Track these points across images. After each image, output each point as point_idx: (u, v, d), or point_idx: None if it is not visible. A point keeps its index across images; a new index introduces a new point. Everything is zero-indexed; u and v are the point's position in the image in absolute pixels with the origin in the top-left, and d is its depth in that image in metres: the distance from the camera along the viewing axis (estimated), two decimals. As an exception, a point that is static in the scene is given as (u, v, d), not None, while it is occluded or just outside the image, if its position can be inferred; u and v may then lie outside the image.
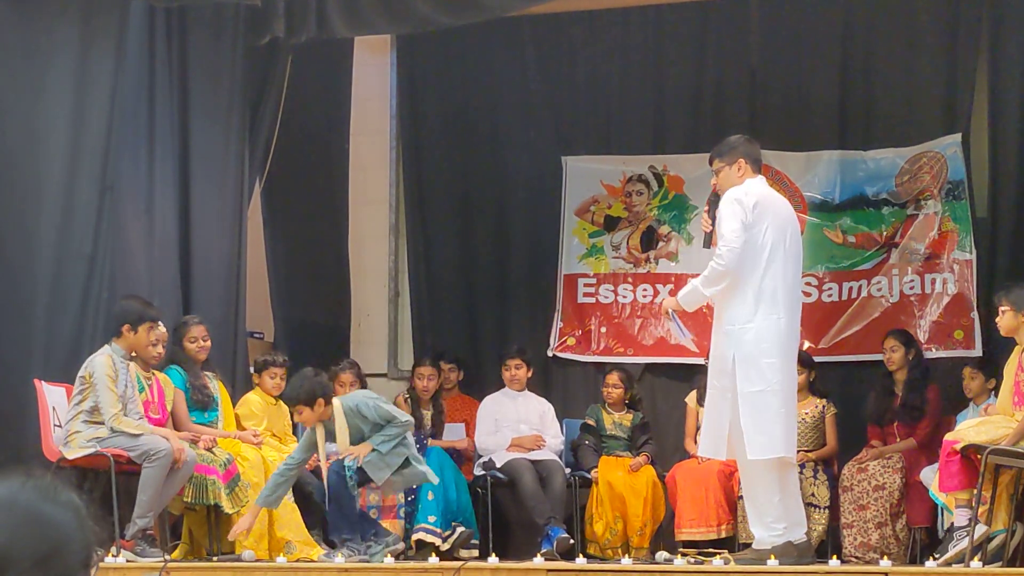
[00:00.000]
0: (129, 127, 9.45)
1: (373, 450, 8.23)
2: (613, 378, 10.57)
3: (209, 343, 9.25)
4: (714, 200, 8.31)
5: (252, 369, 9.96)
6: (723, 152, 8.15)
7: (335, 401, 8.38)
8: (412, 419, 8.67)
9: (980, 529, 7.66)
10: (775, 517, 7.96)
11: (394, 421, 8.33)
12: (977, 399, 9.52)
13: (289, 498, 8.93)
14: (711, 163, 8.23)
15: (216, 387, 9.30)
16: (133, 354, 8.53)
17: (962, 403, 9.87)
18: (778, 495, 7.97)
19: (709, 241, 8.48)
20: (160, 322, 8.84)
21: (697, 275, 11.28)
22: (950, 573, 7.20)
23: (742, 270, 7.87)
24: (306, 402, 8.30)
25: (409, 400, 10.52)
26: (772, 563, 7.55)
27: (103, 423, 8.25)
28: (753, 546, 8.06)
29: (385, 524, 9.54)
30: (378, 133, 12.16)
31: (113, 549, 7.95)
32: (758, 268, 7.88)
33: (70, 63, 9.16)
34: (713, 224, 8.22)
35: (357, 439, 8.31)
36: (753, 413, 7.84)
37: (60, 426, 8.43)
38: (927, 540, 9.29)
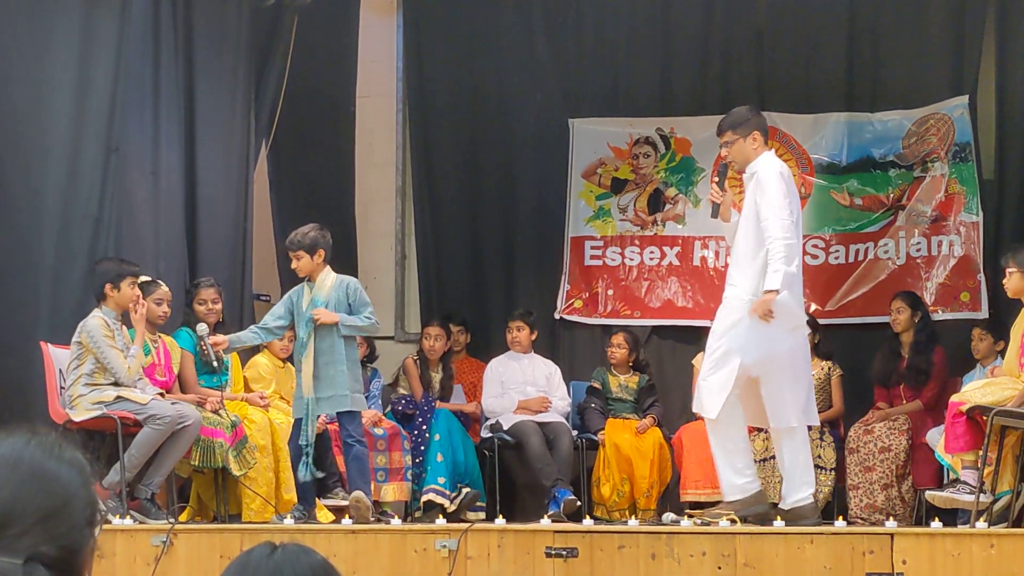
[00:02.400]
0: (134, 89, 9.43)
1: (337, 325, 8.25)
2: (618, 338, 10.58)
3: (220, 306, 9.23)
4: (723, 171, 8.29)
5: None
6: (736, 124, 8.09)
7: (330, 270, 8.44)
8: (380, 325, 8.69)
9: (984, 497, 7.66)
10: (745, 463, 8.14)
11: (366, 311, 8.35)
12: (985, 361, 9.52)
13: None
14: (721, 134, 8.17)
15: (228, 350, 9.30)
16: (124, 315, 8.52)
17: (968, 365, 9.87)
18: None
19: (717, 211, 8.45)
20: (162, 284, 8.84)
21: (700, 237, 11.35)
22: (957, 534, 7.20)
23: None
24: (308, 249, 8.36)
25: (419, 362, 10.53)
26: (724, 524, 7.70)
27: (104, 385, 8.25)
28: (780, 506, 8.10)
29: (392, 486, 9.57)
30: (384, 95, 12.12)
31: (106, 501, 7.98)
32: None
33: (74, 24, 9.14)
34: (722, 194, 8.21)
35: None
36: (772, 383, 7.96)
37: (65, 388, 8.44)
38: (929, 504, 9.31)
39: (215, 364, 8.66)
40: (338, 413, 8.30)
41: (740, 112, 8.23)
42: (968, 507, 7.72)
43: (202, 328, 8.55)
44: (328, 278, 8.39)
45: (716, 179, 8.37)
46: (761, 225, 7.88)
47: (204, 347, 8.52)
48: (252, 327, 8.57)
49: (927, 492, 7.91)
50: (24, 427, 2.01)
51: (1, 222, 8.82)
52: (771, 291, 7.77)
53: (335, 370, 8.26)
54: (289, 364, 9.58)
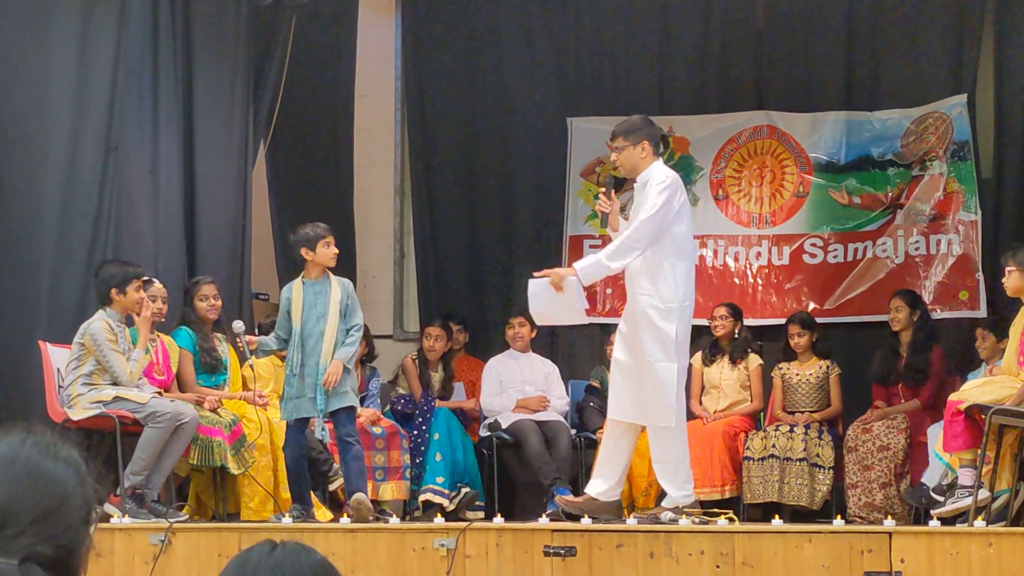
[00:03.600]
0: (133, 88, 9.43)
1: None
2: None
3: (220, 303, 9.22)
4: (610, 181, 8.36)
5: (256, 331, 9.95)
6: (628, 132, 8.13)
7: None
8: (360, 332, 8.53)
9: (982, 493, 7.66)
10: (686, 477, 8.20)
11: (355, 320, 8.28)
12: (990, 361, 9.50)
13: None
14: (613, 140, 8.22)
15: (226, 350, 9.28)
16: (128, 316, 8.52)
17: (967, 364, 9.88)
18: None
19: (606, 220, 8.50)
20: (155, 281, 8.83)
21: (698, 236, 11.35)
22: (955, 532, 7.20)
23: (668, 250, 7.93)
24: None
25: (418, 362, 10.52)
26: (631, 520, 7.87)
27: (102, 385, 8.25)
28: (663, 503, 8.14)
29: (390, 485, 9.56)
30: (383, 94, 12.12)
31: (108, 507, 7.99)
32: (681, 250, 8.01)
33: (74, 23, 9.14)
34: (611, 204, 8.28)
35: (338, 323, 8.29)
36: (662, 384, 7.97)
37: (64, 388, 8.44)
38: (931, 498, 9.31)
39: (250, 362, 8.62)
40: (336, 411, 8.24)
41: (633, 120, 8.26)
42: (963, 508, 7.72)
43: (238, 325, 8.50)
44: (331, 279, 8.32)
45: (603, 189, 8.41)
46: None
47: (240, 344, 8.47)
48: (273, 334, 8.46)
49: (933, 511, 7.90)
50: (20, 425, 2.00)
51: (0, 220, 8.82)
52: (575, 271, 7.90)
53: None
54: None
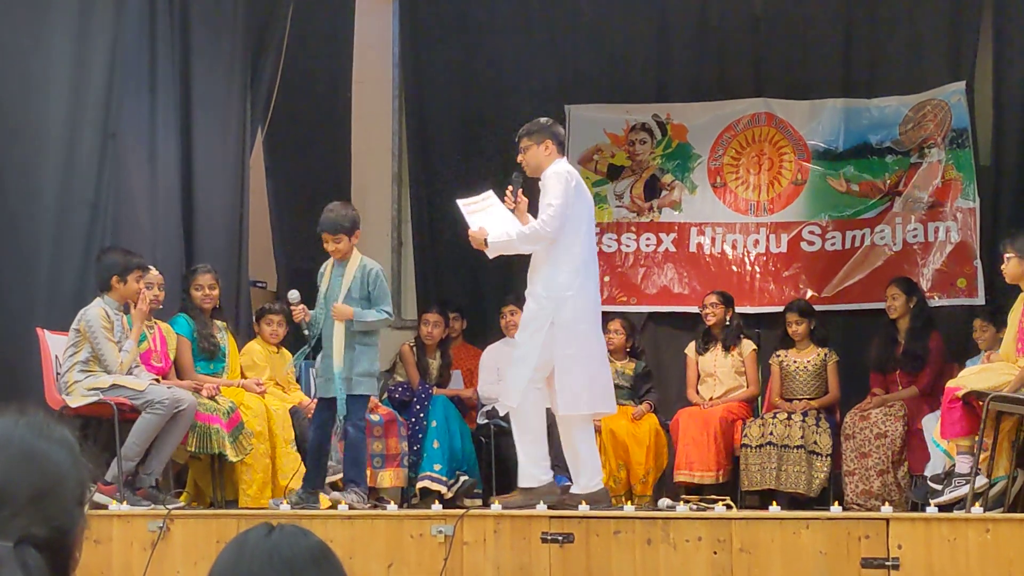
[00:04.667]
0: (131, 75, 9.42)
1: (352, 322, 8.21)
2: (615, 325, 10.58)
3: (217, 291, 9.22)
4: (517, 179, 8.46)
5: (253, 318, 9.96)
6: (532, 132, 8.36)
7: (357, 252, 8.40)
8: (393, 318, 8.61)
9: (980, 480, 7.67)
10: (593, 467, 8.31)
11: (383, 306, 8.30)
12: (991, 352, 9.48)
13: (292, 447, 8.96)
14: (519, 141, 8.42)
15: (225, 337, 9.28)
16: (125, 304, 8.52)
17: (965, 351, 9.88)
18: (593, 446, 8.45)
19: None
20: (152, 268, 8.83)
21: (696, 224, 11.37)
22: (953, 519, 7.21)
23: (564, 241, 8.12)
24: (350, 230, 8.29)
25: (415, 349, 10.52)
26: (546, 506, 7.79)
27: (99, 372, 8.25)
28: (572, 490, 8.21)
29: (388, 472, 9.57)
30: (380, 82, 12.11)
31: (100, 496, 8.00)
32: (577, 240, 8.18)
33: (71, 10, 9.13)
34: (516, 201, 8.41)
35: (348, 300, 8.29)
36: (565, 373, 8.10)
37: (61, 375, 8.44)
38: (928, 487, 9.31)
39: (306, 331, 8.65)
40: (350, 396, 8.21)
41: (538, 121, 8.46)
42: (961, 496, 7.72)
43: (294, 295, 8.53)
44: (355, 260, 8.37)
45: (512, 187, 8.46)
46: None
47: (295, 314, 8.50)
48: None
49: (932, 500, 7.90)
50: (13, 407, 1.99)
51: (-2, 208, 8.83)
52: (487, 241, 8.18)
53: (363, 352, 8.25)
54: (284, 349, 9.59)
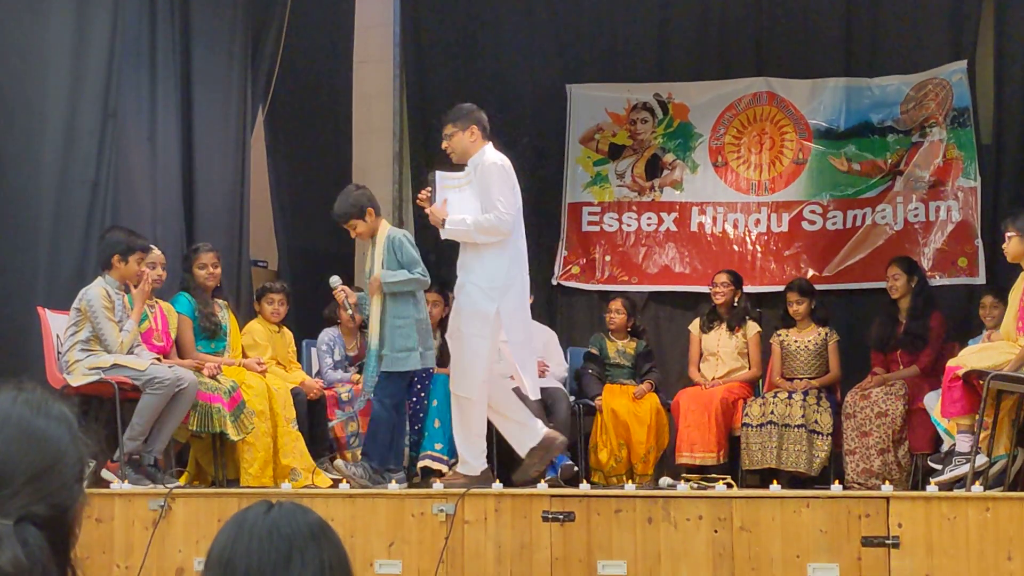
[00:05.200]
0: (131, 54, 9.40)
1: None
2: (616, 304, 10.59)
3: (219, 270, 9.23)
4: (432, 179, 8.53)
5: (254, 297, 9.95)
6: (456, 118, 8.41)
7: (385, 224, 8.45)
8: (428, 280, 8.62)
9: (980, 459, 7.67)
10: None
11: (414, 268, 8.34)
12: (993, 328, 9.47)
13: (293, 426, 8.96)
14: (443, 128, 8.48)
15: (226, 316, 9.28)
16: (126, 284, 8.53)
17: (966, 330, 9.87)
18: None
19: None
20: (154, 248, 8.83)
21: (698, 203, 11.36)
22: (953, 497, 7.21)
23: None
24: (357, 215, 8.36)
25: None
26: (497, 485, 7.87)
27: (100, 351, 8.26)
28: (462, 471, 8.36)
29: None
30: (381, 61, 12.09)
31: (106, 472, 8.03)
32: (517, 231, 8.28)
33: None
34: (433, 200, 8.41)
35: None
36: (523, 359, 8.36)
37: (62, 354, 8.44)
38: (928, 466, 9.32)
39: (350, 312, 8.79)
40: (384, 371, 8.29)
41: (460, 108, 8.50)
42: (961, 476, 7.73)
43: (335, 280, 8.60)
44: (383, 234, 8.39)
45: (429, 188, 8.53)
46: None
47: (337, 295, 8.57)
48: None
49: (932, 479, 7.90)
50: (10, 383, 1.98)
51: (-2, 187, 8.82)
52: (445, 219, 8.20)
53: (400, 325, 8.27)
54: (285, 329, 9.60)
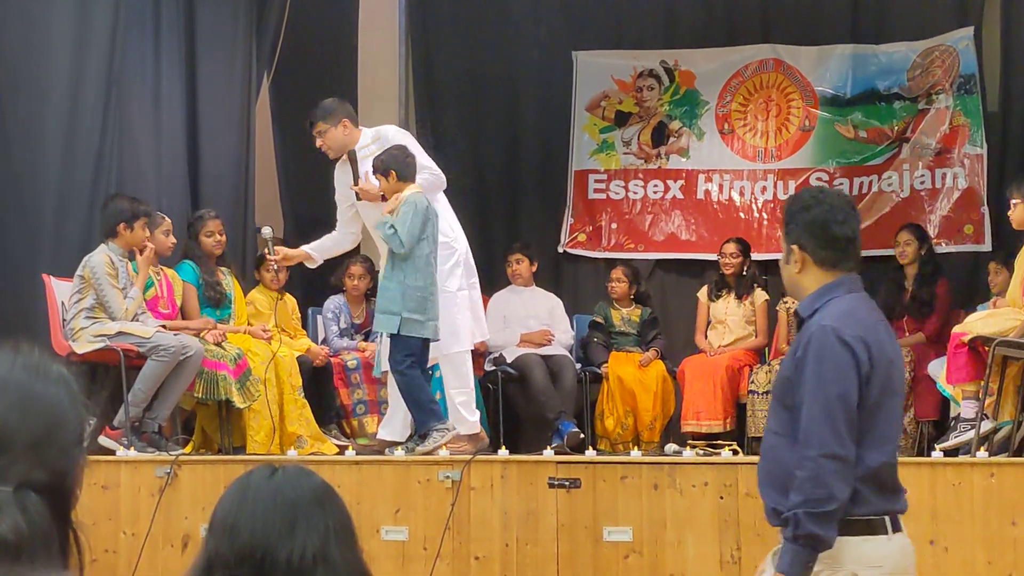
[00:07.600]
0: (135, 22, 9.38)
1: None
2: (617, 272, 10.59)
3: (224, 238, 9.22)
4: (268, 234, 8.73)
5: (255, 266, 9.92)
6: (325, 116, 8.43)
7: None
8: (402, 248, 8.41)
9: (986, 424, 7.67)
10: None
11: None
12: (997, 297, 9.46)
13: (299, 394, 8.96)
14: (313, 128, 8.48)
15: (231, 284, 9.27)
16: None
17: (971, 297, 9.86)
18: None
19: (358, 197, 8.54)
20: (161, 214, 8.83)
21: (704, 171, 11.34)
22: (957, 463, 7.22)
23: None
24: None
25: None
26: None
27: (105, 318, 8.26)
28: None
29: (374, 418, 9.48)
30: (387, 29, 12.05)
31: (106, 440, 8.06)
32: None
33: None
34: (274, 258, 8.69)
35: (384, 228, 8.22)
36: (475, 305, 8.75)
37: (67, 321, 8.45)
38: (934, 433, 9.32)
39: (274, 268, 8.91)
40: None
41: (325, 104, 8.53)
42: (966, 441, 7.73)
43: (267, 231, 8.74)
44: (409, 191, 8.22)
45: (266, 251, 8.74)
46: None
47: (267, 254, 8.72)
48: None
49: (937, 445, 7.90)
50: (7, 345, 1.97)
51: (3, 156, 8.79)
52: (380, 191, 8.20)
53: (386, 287, 8.05)
54: (287, 295, 9.58)
